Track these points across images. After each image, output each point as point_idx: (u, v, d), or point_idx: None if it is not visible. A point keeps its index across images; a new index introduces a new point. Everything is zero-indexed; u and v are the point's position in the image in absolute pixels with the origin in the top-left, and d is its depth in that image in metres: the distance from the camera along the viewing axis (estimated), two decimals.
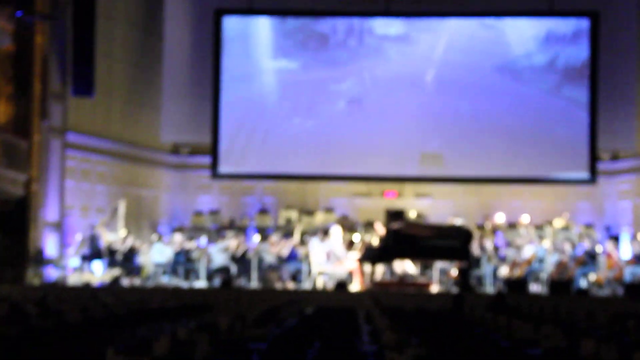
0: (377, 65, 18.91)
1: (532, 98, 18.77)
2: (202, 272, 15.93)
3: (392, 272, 16.02)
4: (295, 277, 16.02)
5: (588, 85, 18.69)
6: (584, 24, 18.81)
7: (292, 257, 16.19)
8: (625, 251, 16.11)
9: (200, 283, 15.79)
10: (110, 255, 16.08)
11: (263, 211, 19.33)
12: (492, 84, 18.80)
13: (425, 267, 16.02)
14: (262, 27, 19.18)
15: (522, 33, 18.92)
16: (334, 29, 19.06)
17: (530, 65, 18.85)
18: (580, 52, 18.78)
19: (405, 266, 15.93)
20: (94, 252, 16.13)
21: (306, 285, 15.71)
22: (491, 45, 18.86)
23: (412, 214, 18.84)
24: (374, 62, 18.92)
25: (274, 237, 16.81)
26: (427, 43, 18.91)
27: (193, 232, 18.05)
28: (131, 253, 16.23)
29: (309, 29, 19.11)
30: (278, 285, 15.73)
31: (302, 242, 16.87)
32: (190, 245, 16.54)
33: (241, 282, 15.86)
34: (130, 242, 16.46)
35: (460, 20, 19.00)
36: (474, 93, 18.83)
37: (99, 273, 15.83)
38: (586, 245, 16.28)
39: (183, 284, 15.78)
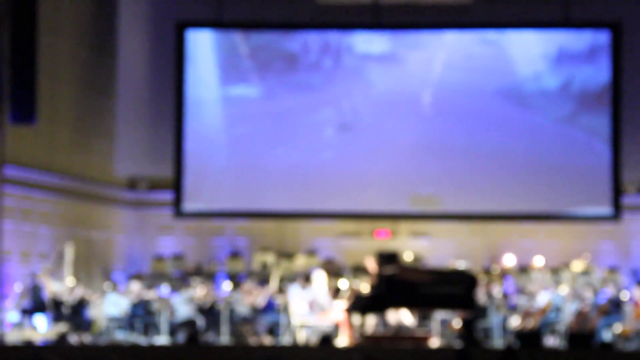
0: (359, 90, 19.05)
1: (543, 127, 18.94)
2: (164, 326, 15.88)
3: (385, 324, 16.01)
4: (273, 330, 15.99)
5: (609, 109, 18.84)
6: (602, 38, 19.02)
7: (269, 307, 16.17)
8: None
9: (162, 339, 15.74)
10: (55, 308, 16.00)
11: (235, 255, 19.34)
12: (495, 110, 18.96)
13: (424, 318, 16.03)
14: (220, 44, 19.26)
15: (529, 50, 19.12)
16: (306, 47, 19.16)
17: (540, 89, 19.01)
18: (599, 73, 18.97)
19: (401, 316, 15.94)
20: (36, 305, 16.05)
21: (285, 340, 15.68)
22: (493, 65, 19.05)
23: (407, 257, 18.90)
24: (355, 85, 19.05)
25: (248, 285, 16.80)
26: (417, 63, 19.10)
27: (153, 279, 18.02)
28: (80, 305, 16.16)
29: (275, 47, 19.18)
30: (253, 341, 15.70)
31: (281, 290, 16.86)
32: (150, 295, 16.50)
33: (209, 337, 15.81)
34: (79, 292, 16.39)
35: (457, 34, 19.16)
36: (475, 119, 19.01)
37: (42, 329, 15.74)
38: (610, 291, 16.34)
39: (142, 340, 15.72)
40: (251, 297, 16.40)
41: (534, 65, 19.09)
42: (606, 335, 15.46)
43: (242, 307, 16.20)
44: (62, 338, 15.40)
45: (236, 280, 17.55)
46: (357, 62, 19.17)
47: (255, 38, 19.28)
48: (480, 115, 19.03)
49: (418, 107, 19.06)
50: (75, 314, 16.08)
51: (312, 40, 19.28)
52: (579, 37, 19.15)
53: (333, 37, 19.25)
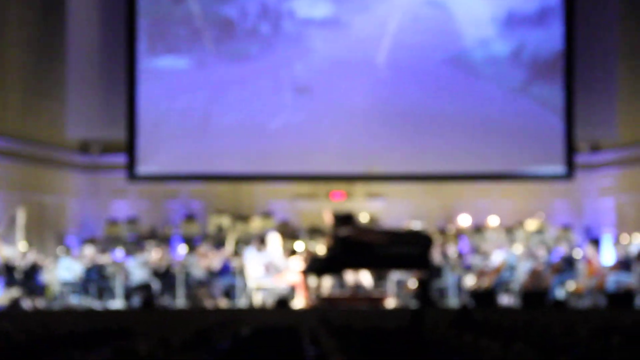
0: (309, 54, 18.95)
1: (495, 94, 18.99)
2: (119, 291, 15.83)
3: (342, 285, 16.10)
4: (229, 293, 16.01)
5: (562, 73, 18.91)
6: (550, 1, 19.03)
7: (225, 270, 16.18)
8: (608, 256, 16.42)
9: (117, 303, 15.70)
10: (7, 274, 15.88)
11: (189, 218, 19.29)
12: (446, 76, 18.98)
13: (380, 279, 16.14)
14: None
15: (477, 12, 19.08)
16: (243, 11, 18.99)
17: (489, 56, 19.01)
18: (551, 37, 18.99)
19: (359, 277, 16.03)
20: None
21: (241, 302, 15.72)
22: (441, 29, 18.98)
23: (363, 218, 18.97)
24: (305, 49, 18.95)
25: (203, 248, 16.79)
26: (363, 27, 18.98)
27: (107, 244, 17.93)
28: (33, 270, 16.05)
29: (212, 12, 19.00)
30: (208, 304, 15.71)
31: (236, 252, 16.87)
32: (104, 259, 16.43)
33: (165, 300, 15.80)
34: (31, 257, 16.27)
35: None
36: (427, 82, 18.99)
37: None
38: (563, 250, 16.55)
39: (96, 304, 15.67)
40: (207, 260, 16.39)
41: (482, 29, 19.06)
42: (559, 293, 15.67)
43: (198, 270, 16.19)
44: (15, 303, 15.32)
45: (191, 243, 17.51)
46: (300, 28, 19.01)
47: (189, 4, 19.09)
48: (431, 78, 19.00)
49: (368, 71, 18.98)
50: (28, 279, 15.97)
51: (250, 5, 19.08)
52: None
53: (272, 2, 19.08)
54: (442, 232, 18.12)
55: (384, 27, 18.96)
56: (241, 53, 19.05)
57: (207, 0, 19.07)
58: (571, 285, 15.72)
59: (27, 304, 15.55)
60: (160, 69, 19.03)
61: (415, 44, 18.97)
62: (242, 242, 17.44)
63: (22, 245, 16.81)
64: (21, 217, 17.28)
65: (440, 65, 18.99)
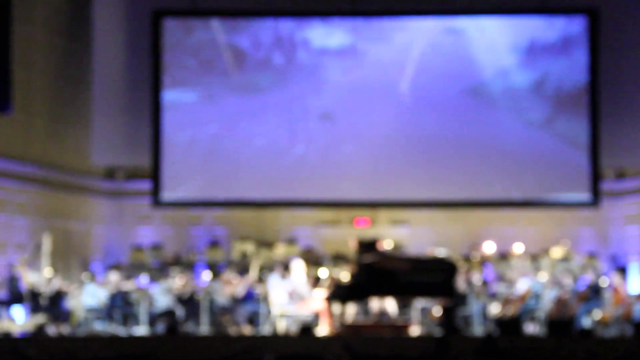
0: (327, 82, 19.06)
1: (519, 122, 19.03)
2: (143, 317, 15.88)
3: (366, 312, 16.08)
4: (253, 320, 16.03)
5: (588, 100, 18.90)
6: (574, 28, 19.05)
7: (249, 297, 16.21)
8: (634, 285, 16.33)
9: (141, 329, 15.75)
10: (33, 300, 15.97)
11: (214, 244, 19.35)
12: (466, 104, 19.04)
13: (404, 306, 16.12)
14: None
15: (498, 41, 19.13)
16: (257, 42, 19.14)
17: (511, 85, 19.05)
18: (575, 65, 18.99)
19: (384, 304, 16.02)
20: (13, 296, 16.01)
21: (265, 329, 15.73)
22: (459, 58, 19.06)
23: (387, 245, 18.97)
24: (322, 78, 19.06)
25: (228, 275, 16.83)
26: (380, 56, 19.07)
27: (131, 270, 18.01)
28: (58, 296, 16.14)
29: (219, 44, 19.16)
30: (232, 330, 15.73)
31: (260, 279, 16.90)
32: (129, 285, 16.50)
33: (189, 327, 15.83)
34: (57, 283, 16.37)
35: (420, 23, 19.09)
36: (449, 110, 19.06)
37: (20, 320, 15.71)
38: (589, 277, 16.47)
39: (120, 330, 15.72)
40: (231, 287, 16.42)
41: (503, 58, 19.09)
42: (586, 322, 15.59)
43: (222, 297, 16.23)
44: (40, 329, 15.38)
45: (215, 269, 17.56)
46: (320, 56, 19.12)
47: (200, 33, 19.28)
48: (453, 106, 19.07)
49: (390, 99, 19.08)
50: (53, 305, 16.05)
51: (263, 35, 19.23)
52: (551, 26, 19.13)
53: (288, 30, 19.22)
54: (467, 259, 18.08)
55: (404, 55, 19.06)
56: (265, 82, 19.18)
57: (228, 30, 19.22)
58: (597, 314, 15.64)
59: (52, 330, 15.62)
60: (183, 98, 19.17)
61: (436, 72, 19.06)
62: (266, 269, 17.47)
63: (47, 271, 16.90)
64: (46, 243, 17.39)
65: (461, 94, 19.04)
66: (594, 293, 15.94)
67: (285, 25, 19.26)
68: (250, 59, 19.25)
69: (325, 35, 19.26)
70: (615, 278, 16.10)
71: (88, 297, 16.23)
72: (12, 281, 16.20)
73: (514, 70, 19.10)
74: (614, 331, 15.35)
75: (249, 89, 19.20)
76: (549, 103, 19.07)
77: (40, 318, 15.72)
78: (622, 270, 16.69)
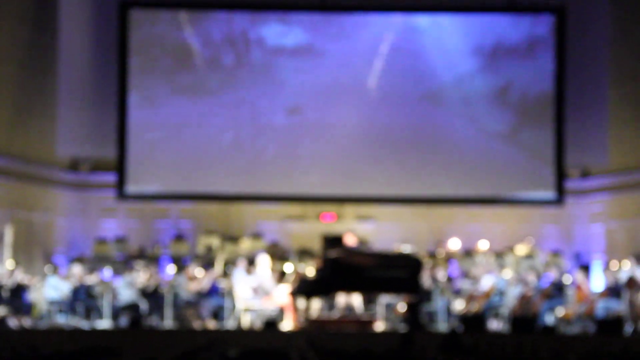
0: (296, 77, 19.03)
1: (486, 121, 19.12)
2: (107, 310, 15.78)
3: (331, 307, 16.07)
4: (217, 314, 15.97)
5: (553, 99, 19.01)
6: (540, 29, 19.13)
7: (213, 291, 16.15)
8: (597, 282, 16.43)
9: (104, 323, 15.64)
10: None
11: (179, 238, 19.26)
12: (429, 105, 19.08)
13: (369, 302, 16.12)
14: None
15: (454, 42, 19.20)
16: (207, 40, 19.07)
17: (473, 89, 19.10)
18: (541, 65, 19.08)
19: (349, 300, 16.01)
20: None
21: (230, 324, 15.67)
22: (420, 59, 19.10)
23: (352, 240, 18.94)
24: (291, 73, 19.03)
25: (192, 269, 16.75)
26: (342, 52, 19.07)
27: (95, 263, 17.89)
28: (20, 289, 15.99)
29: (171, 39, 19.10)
30: (196, 325, 15.66)
31: (225, 273, 16.84)
32: (92, 278, 16.38)
33: (153, 321, 15.75)
34: (18, 275, 16.21)
35: (381, 20, 19.09)
36: (414, 108, 19.10)
37: None
38: (553, 275, 16.55)
39: (83, 324, 15.61)
40: (195, 281, 16.35)
41: (466, 59, 19.16)
42: (549, 319, 15.67)
43: (186, 291, 16.15)
44: (1, 322, 15.23)
45: (180, 263, 17.48)
46: (268, 57, 19.10)
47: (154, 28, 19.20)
48: (418, 104, 19.12)
49: (356, 96, 19.09)
50: (14, 298, 15.91)
51: (215, 32, 19.17)
52: (517, 26, 19.19)
53: (243, 28, 19.16)
54: (432, 255, 18.13)
55: (366, 53, 19.07)
56: (232, 77, 19.11)
57: (195, 22, 19.13)
58: (560, 311, 15.72)
59: (13, 322, 15.47)
60: (149, 90, 19.06)
61: (399, 70, 19.10)
62: (231, 263, 17.40)
63: (9, 263, 16.75)
64: (9, 234, 17.23)
65: (425, 92, 19.08)
66: (558, 290, 16.02)
67: (259, 17, 19.19)
68: (217, 53, 19.15)
69: (289, 31, 19.20)
70: (579, 276, 16.19)
71: (50, 289, 16.09)
72: None
73: (477, 71, 19.13)
74: (576, 328, 15.44)
75: (216, 83, 19.10)
76: (513, 104, 19.14)
77: (1, 311, 15.57)
78: (586, 268, 16.79)
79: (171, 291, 15.88)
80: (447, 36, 19.19)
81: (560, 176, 19.06)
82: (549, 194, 19.06)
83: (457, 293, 16.41)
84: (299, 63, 19.10)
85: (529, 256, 18.29)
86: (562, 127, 19.05)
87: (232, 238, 19.20)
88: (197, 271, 16.63)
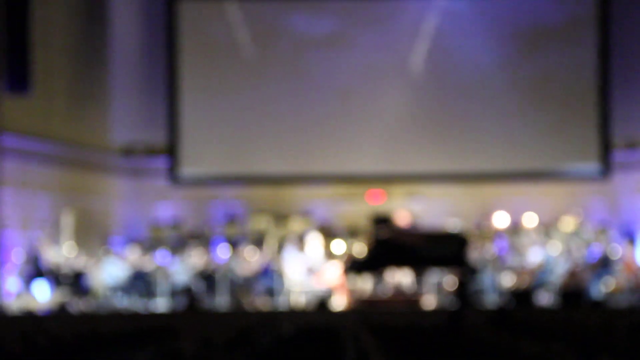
0: (342, 58, 18.98)
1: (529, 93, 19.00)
2: (163, 292, 15.92)
3: (381, 286, 16.08)
4: (270, 294, 16.04)
5: (598, 71, 18.81)
6: (582, 7, 18.92)
7: (266, 271, 16.22)
8: None
9: (161, 304, 15.79)
10: (54, 276, 16.03)
11: (231, 219, 19.34)
12: (475, 83, 18.98)
13: (419, 280, 16.10)
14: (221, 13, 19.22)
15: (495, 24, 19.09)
16: (255, 29, 19.08)
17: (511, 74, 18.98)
18: (584, 51, 18.92)
19: (399, 278, 16.01)
20: (35, 273, 16.07)
21: (282, 303, 15.74)
22: (465, 37, 18.99)
23: (402, 218, 18.90)
24: (335, 55, 18.99)
25: (245, 249, 16.82)
26: (389, 34, 19.01)
27: (151, 246, 18.01)
28: (79, 273, 16.19)
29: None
30: (250, 305, 15.75)
31: (277, 253, 16.89)
32: (148, 261, 16.53)
33: (208, 302, 15.87)
34: (77, 260, 16.42)
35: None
36: (457, 88, 19.01)
37: (42, 297, 15.78)
38: (601, 248, 16.40)
39: (141, 306, 15.77)
40: (248, 262, 16.43)
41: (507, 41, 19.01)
42: (597, 292, 15.54)
43: (240, 272, 16.23)
44: (62, 306, 15.45)
45: (233, 245, 17.55)
46: (331, 34, 19.09)
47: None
48: (464, 81, 19.02)
49: (402, 74, 19.02)
50: (74, 282, 16.12)
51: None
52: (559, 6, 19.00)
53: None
54: (480, 231, 18.01)
55: (411, 33, 18.96)
56: (283, 50, 19.14)
57: (249, 8, 19.15)
58: (609, 285, 15.59)
59: (74, 306, 15.68)
60: (200, 76, 19.14)
61: (440, 52, 18.97)
62: (283, 243, 17.45)
63: (68, 248, 16.95)
64: (67, 220, 17.43)
65: (470, 71, 18.96)
66: (605, 264, 15.89)
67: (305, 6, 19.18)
68: (265, 42, 19.17)
69: (330, 19, 19.16)
70: (626, 249, 16.04)
71: (108, 273, 16.27)
72: (34, 258, 16.25)
73: (518, 50, 18.97)
74: (625, 300, 15.30)
75: (265, 69, 19.14)
76: (558, 79, 18.95)
77: (62, 294, 15.79)
78: (633, 241, 16.61)
79: (225, 273, 15.98)
80: (487, 14, 19.01)
81: (607, 148, 18.84)
82: (595, 166, 18.86)
83: (506, 268, 16.31)
84: (342, 45, 19.06)
85: (577, 230, 18.11)
86: (607, 99, 18.81)
87: (282, 218, 19.23)
88: (250, 252, 16.71)
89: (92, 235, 18.86)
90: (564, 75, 19.02)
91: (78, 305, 15.77)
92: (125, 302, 15.91)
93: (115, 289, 16.12)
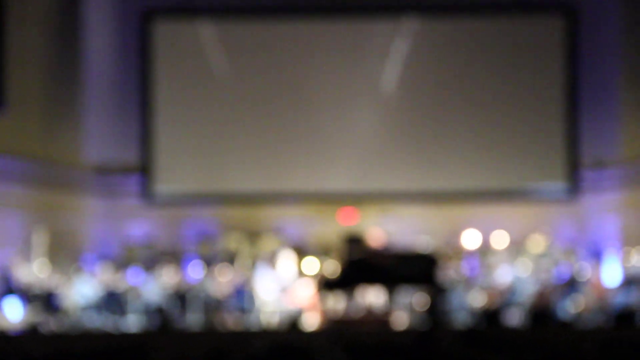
0: (313, 75, 19.02)
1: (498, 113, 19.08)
2: (135, 311, 15.81)
3: (354, 305, 16.05)
4: (243, 312, 15.96)
5: (565, 85, 18.98)
6: (552, 28, 19.08)
7: (238, 290, 16.14)
8: (612, 275, 16.32)
9: (133, 323, 15.67)
10: (26, 295, 15.87)
11: (205, 238, 19.26)
12: (446, 98, 19.06)
13: (390, 298, 16.08)
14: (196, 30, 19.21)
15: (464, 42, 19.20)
16: (229, 47, 19.10)
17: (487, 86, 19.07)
18: (552, 65, 19.07)
19: (371, 297, 15.99)
20: (7, 291, 15.90)
21: (254, 321, 15.67)
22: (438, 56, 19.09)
23: (373, 237, 18.89)
24: (307, 72, 19.01)
25: (219, 269, 16.74)
26: (361, 51, 19.06)
27: (123, 265, 17.90)
28: (51, 291, 16.04)
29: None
30: (223, 324, 15.67)
31: (249, 272, 16.83)
32: (121, 280, 16.41)
33: (180, 321, 15.77)
34: (50, 278, 16.27)
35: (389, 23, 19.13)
36: (430, 104, 19.09)
37: (13, 316, 15.61)
38: (569, 268, 16.45)
39: (113, 325, 15.64)
40: (221, 281, 16.35)
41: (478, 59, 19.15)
42: (565, 312, 15.59)
43: (212, 291, 16.15)
44: (33, 325, 15.29)
45: (206, 263, 17.47)
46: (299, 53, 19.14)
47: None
48: (435, 101, 19.11)
49: (374, 93, 19.10)
50: (46, 300, 15.95)
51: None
52: (528, 25, 19.14)
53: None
54: (450, 250, 18.04)
55: (385, 51, 19.04)
56: (255, 68, 19.14)
57: (222, 27, 19.15)
58: (577, 304, 15.64)
59: (45, 325, 15.53)
60: (173, 94, 19.11)
61: (418, 67, 19.05)
62: (255, 262, 17.39)
63: (40, 266, 16.80)
64: (40, 238, 17.29)
65: (442, 90, 19.05)
66: (573, 283, 15.94)
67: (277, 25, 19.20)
68: (239, 60, 19.17)
69: (302, 36, 19.20)
70: (594, 268, 16.11)
71: (80, 292, 16.13)
72: (5, 277, 16.09)
73: (487, 68, 19.08)
74: (592, 321, 15.35)
75: (235, 86, 19.12)
76: (526, 99, 19.08)
77: (33, 314, 15.63)
78: (601, 261, 16.69)
79: (198, 292, 15.89)
80: (457, 36, 19.13)
81: (575, 168, 18.98)
82: (563, 185, 18.98)
83: (476, 288, 16.33)
84: (314, 65, 19.09)
85: (545, 250, 18.17)
86: (575, 119, 18.97)
87: (255, 236, 19.18)
88: (222, 271, 16.64)
89: (65, 253, 18.71)
90: (533, 96, 19.15)
91: (50, 324, 15.62)
92: (97, 321, 15.78)
93: (87, 307, 15.98)
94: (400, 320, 15.41)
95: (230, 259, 17.94)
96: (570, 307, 15.64)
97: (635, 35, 19.17)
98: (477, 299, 16.03)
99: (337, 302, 15.65)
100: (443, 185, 19.09)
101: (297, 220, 19.98)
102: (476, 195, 19.35)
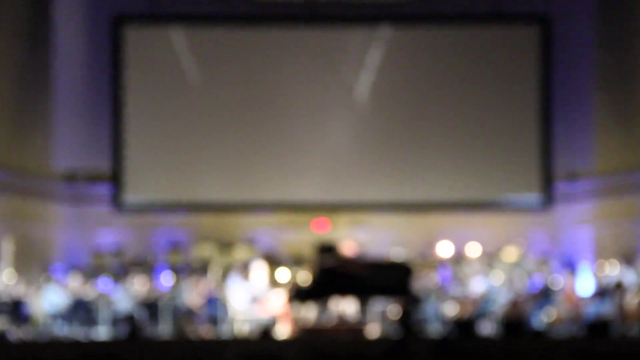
0: (286, 85, 19.09)
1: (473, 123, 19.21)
2: (105, 320, 15.75)
3: (326, 315, 16.07)
4: (214, 322, 15.94)
5: (539, 97, 19.14)
6: (525, 37, 19.25)
7: (209, 299, 16.12)
8: (586, 285, 16.45)
9: (103, 333, 15.61)
10: None
11: (175, 247, 19.24)
12: (423, 108, 19.15)
13: (363, 308, 16.12)
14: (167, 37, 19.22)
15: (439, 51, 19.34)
16: (200, 55, 19.14)
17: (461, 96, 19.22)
18: (525, 74, 19.23)
19: (343, 307, 16.02)
20: None
21: (226, 332, 15.66)
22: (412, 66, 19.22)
23: (346, 247, 18.94)
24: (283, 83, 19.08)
25: (188, 277, 16.72)
26: (335, 60, 19.17)
27: (92, 273, 17.84)
28: (19, 300, 15.95)
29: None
30: (193, 333, 15.64)
31: (221, 281, 16.82)
32: (90, 289, 16.34)
33: (151, 330, 15.72)
34: (17, 287, 16.18)
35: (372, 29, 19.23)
36: (406, 114, 19.18)
37: None
38: (542, 279, 16.56)
39: (82, 334, 15.58)
40: (192, 290, 16.32)
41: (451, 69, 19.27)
42: (539, 322, 15.68)
43: (183, 300, 16.12)
44: (1, 334, 15.19)
45: (177, 272, 17.45)
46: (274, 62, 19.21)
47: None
48: (409, 111, 19.21)
49: (348, 103, 19.17)
50: (13, 309, 15.86)
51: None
52: (502, 35, 19.31)
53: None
54: (424, 260, 18.12)
55: (359, 60, 19.13)
56: (228, 77, 19.15)
57: (194, 34, 19.16)
58: (550, 315, 15.75)
59: (13, 334, 15.43)
60: (144, 102, 19.08)
61: (386, 80, 19.14)
62: (227, 271, 17.39)
63: (8, 275, 16.71)
64: (7, 247, 17.19)
65: (415, 99, 19.15)
66: (547, 294, 16.04)
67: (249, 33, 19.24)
68: (210, 68, 19.18)
69: (278, 44, 19.27)
70: (567, 279, 16.23)
71: (49, 301, 16.05)
72: None
73: (462, 78, 19.21)
74: (565, 331, 15.46)
75: (206, 94, 19.13)
76: (500, 110, 19.22)
77: (1, 323, 15.53)
78: (574, 271, 16.81)
79: (168, 301, 15.85)
80: (432, 46, 19.24)
81: (548, 179, 19.10)
82: (537, 197, 19.10)
83: (449, 297, 16.40)
84: (287, 74, 19.14)
85: (518, 260, 18.30)
86: (549, 131, 19.10)
87: (227, 246, 19.18)
88: (194, 280, 16.62)
89: (33, 262, 18.62)
90: (506, 107, 19.29)
91: (17, 334, 15.52)
92: (66, 330, 15.71)
93: (55, 316, 15.90)
94: (373, 329, 15.45)
95: (202, 268, 17.93)
96: (544, 317, 15.74)
97: (609, 46, 19.37)
98: (450, 309, 16.11)
99: (309, 312, 15.67)
100: (417, 195, 19.16)
101: (269, 229, 20.00)
102: (450, 206, 19.44)
